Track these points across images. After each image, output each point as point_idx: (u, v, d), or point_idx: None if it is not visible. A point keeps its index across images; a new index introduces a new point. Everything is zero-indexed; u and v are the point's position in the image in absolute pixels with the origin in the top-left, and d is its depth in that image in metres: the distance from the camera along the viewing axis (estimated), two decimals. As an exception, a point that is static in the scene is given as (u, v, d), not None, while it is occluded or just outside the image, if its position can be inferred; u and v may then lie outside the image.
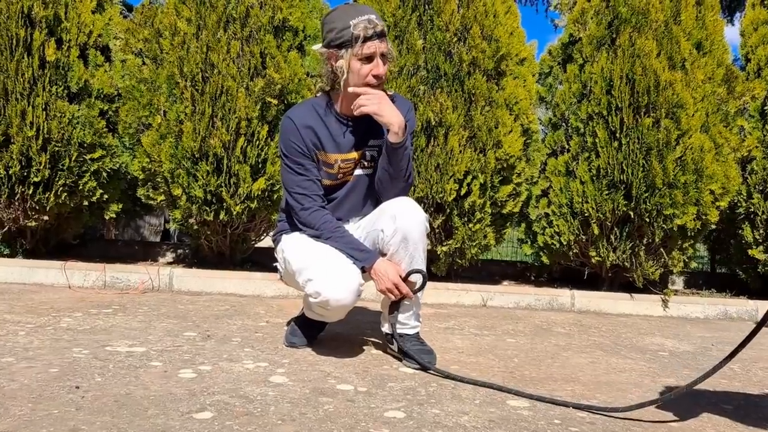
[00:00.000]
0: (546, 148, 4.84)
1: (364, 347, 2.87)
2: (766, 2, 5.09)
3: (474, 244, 4.52)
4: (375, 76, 2.56)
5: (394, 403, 2.05)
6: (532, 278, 5.57)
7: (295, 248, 2.66)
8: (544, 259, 4.96)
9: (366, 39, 2.49)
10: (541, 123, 5.04)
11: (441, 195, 4.33)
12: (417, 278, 2.59)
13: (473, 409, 2.06)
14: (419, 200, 4.33)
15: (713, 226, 4.71)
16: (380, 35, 2.54)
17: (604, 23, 4.59)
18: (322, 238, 2.59)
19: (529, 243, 5.08)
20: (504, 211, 4.62)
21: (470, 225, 4.46)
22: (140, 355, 2.47)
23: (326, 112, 2.67)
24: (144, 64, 4.43)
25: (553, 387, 2.41)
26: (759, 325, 1.94)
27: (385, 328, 2.80)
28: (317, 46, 2.66)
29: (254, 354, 2.60)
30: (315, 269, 2.51)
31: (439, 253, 4.54)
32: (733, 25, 13.40)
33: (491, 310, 4.33)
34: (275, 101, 4.20)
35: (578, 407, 2.13)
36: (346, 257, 2.54)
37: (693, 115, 4.36)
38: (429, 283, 4.49)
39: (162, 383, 2.11)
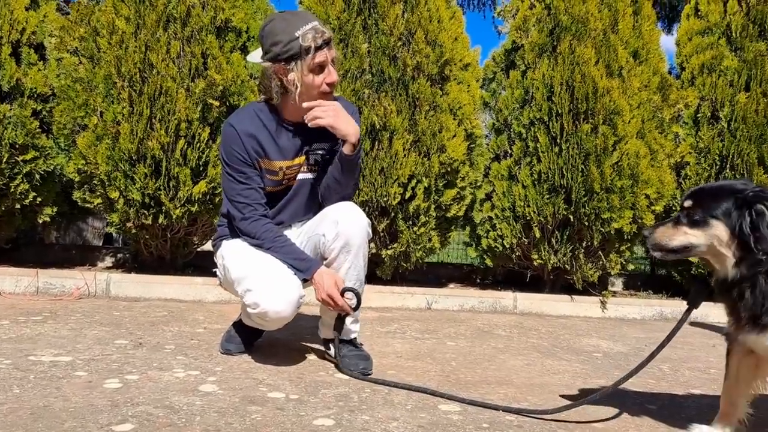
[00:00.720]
0: (490, 153, 4.90)
1: (302, 353, 2.84)
2: (700, 13, 5.28)
3: (419, 247, 4.54)
4: (329, 84, 2.53)
5: (324, 411, 2.03)
6: (478, 281, 5.63)
7: (234, 256, 2.61)
8: (488, 262, 5.02)
9: (316, 49, 2.43)
10: (486, 128, 5.10)
11: (385, 199, 4.33)
12: (352, 296, 2.58)
13: (404, 414, 2.06)
14: (364, 204, 4.32)
15: (650, 230, 4.84)
16: (328, 42, 2.49)
17: (545, 31, 4.68)
18: (263, 248, 2.56)
19: (474, 246, 5.13)
20: (448, 215, 4.65)
21: (415, 228, 4.48)
22: (65, 364, 2.39)
23: (270, 117, 2.61)
24: (80, 63, 4.30)
25: (487, 390, 2.44)
26: (676, 328, 2.01)
27: (323, 334, 2.79)
28: (256, 58, 2.56)
29: (187, 362, 2.55)
30: (254, 280, 2.47)
31: (384, 256, 4.55)
32: (672, 35, 13.88)
33: (435, 313, 4.36)
34: (217, 103, 4.13)
35: (508, 410, 2.16)
36: (287, 267, 2.51)
37: (629, 121, 4.49)
38: (374, 287, 4.55)
39: (84, 394, 2.04)
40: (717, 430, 1.98)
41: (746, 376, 1.96)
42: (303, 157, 2.66)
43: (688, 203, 1.86)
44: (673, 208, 5.05)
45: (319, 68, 2.48)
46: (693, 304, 2.02)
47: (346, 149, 2.56)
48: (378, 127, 4.29)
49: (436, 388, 2.36)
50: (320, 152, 2.69)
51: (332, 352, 2.68)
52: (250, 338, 2.81)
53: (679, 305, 4.82)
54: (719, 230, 1.78)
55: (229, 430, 1.80)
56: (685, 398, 2.52)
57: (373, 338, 3.28)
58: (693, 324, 4.53)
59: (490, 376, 2.67)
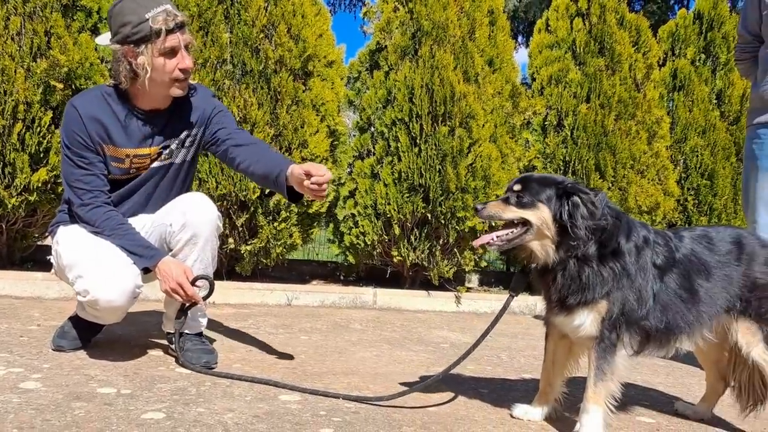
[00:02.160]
0: (353, 151, 4.97)
1: (143, 348, 2.72)
2: (550, 28, 5.68)
3: (279, 243, 4.50)
4: (182, 70, 2.44)
5: (157, 404, 1.96)
6: (342, 278, 5.68)
7: (68, 241, 2.46)
8: (351, 259, 5.08)
9: (168, 32, 2.34)
10: (351, 126, 5.17)
11: (245, 193, 4.26)
12: (204, 284, 2.51)
13: (241, 406, 2.04)
14: (222, 197, 4.23)
15: (502, 229, 5.14)
16: (181, 26, 2.40)
17: (408, 34, 4.82)
18: (103, 235, 2.42)
19: (337, 243, 5.17)
20: (310, 211, 4.65)
21: (275, 224, 4.44)
22: None
23: (118, 102, 2.48)
24: None
25: (332, 380, 2.46)
26: (499, 314, 2.15)
27: (167, 328, 2.70)
28: (105, 40, 2.44)
29: (11, 359, 2.36)
30: (86, 266, 2.34)
31: (243, 252, 4.46)
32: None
33: (295, 309, 4.35)
34: (61, 85, 3.85)
35: (348, 398, 2.20)
36: (126, 255, 2.39)
37: (483, 125, 4.73)
38: (233, 283, 4.46)
39: None
40: (535, 409, 2.15)
41: (561, 359, 2.14)
42: (156, 148, 2.56)
43: (517, 187, 1.97)
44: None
45: (171, 53, 2.40)
46: (514, 291, 2.17)
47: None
48: (238, 119, 4.20)
49: (279, 380, 2.36)
50: (176, 142, 2.61)
51: (175, 346, 2.59)
52: (86, 334, 2.65)
53: (526, 300, 5.15)
54: (545, 213, 1.92)
55: (46, 427, 1.69)
56: (516, 382, 2.70)
57: (225, 334, 3.21)
58: (537, 317, 4.87)
59: (337, 367, 2.70)
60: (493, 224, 2.21)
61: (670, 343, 2.02)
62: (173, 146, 2.61)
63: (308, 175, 2.29)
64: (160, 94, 2.49)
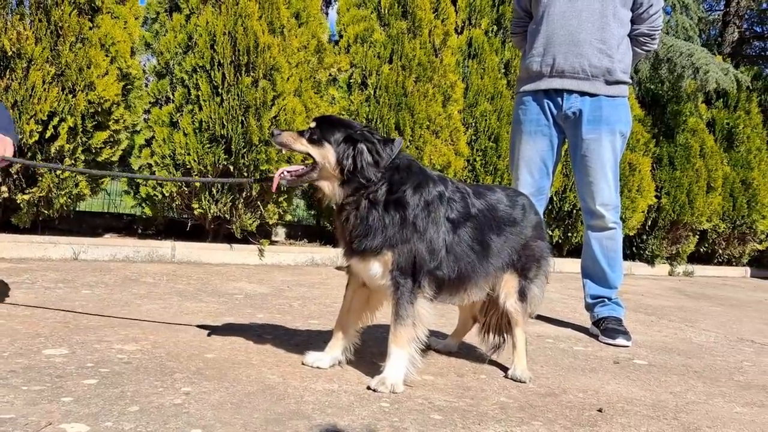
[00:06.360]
0: (150, 97, 4.70)
1: None
2: (359, -13, 5.77)
3: (63, 192, 4.16)
4: None
5: None
6: (139, 231, 5.42)
7: None
8: (147, 211, 4.86)
9: None
10: (148, 70, 4.86)
11: (20, 137, 3.85)
12: None
13: (-5, 362, 1.90)
14: (-8, 141, 3.78)
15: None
16: None
17: (211, -23, 4.62)
18: None
19: (132, 194, 4.91)
20: (100, 159, 4.34)
21: (58, 172, 4.09)
22: None
23: None
24: None
25: (108, 333, 2.37)
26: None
27: None
28: None
29: None
30: None
31: (20, 202, 4.06)
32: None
33: (83, 263, 4.08)
34: None
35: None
36: None
37: (288, 79, 4.73)
38: (8, 236, 4.05)
39: None
40: (326, 355, 2.19)
41: (358, 307, 2.21)
42: None
43: (313, 124, 2.05)
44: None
45: None
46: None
47: None
48: (10, 53, 3.76)
49: (49, 335, 2.23)
50: None
51: None
52: None
53: (328, 252, 5.33)
54: (330, 153, 2.00)
55: None
56: (301, 329, 2.81)
57: (-9, 289, 2.94)
58: (338, 268, 5.06)
59: (116, 320, 2.60)
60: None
61: (461, 291, 2.17)
62: None
63: None
64: None
